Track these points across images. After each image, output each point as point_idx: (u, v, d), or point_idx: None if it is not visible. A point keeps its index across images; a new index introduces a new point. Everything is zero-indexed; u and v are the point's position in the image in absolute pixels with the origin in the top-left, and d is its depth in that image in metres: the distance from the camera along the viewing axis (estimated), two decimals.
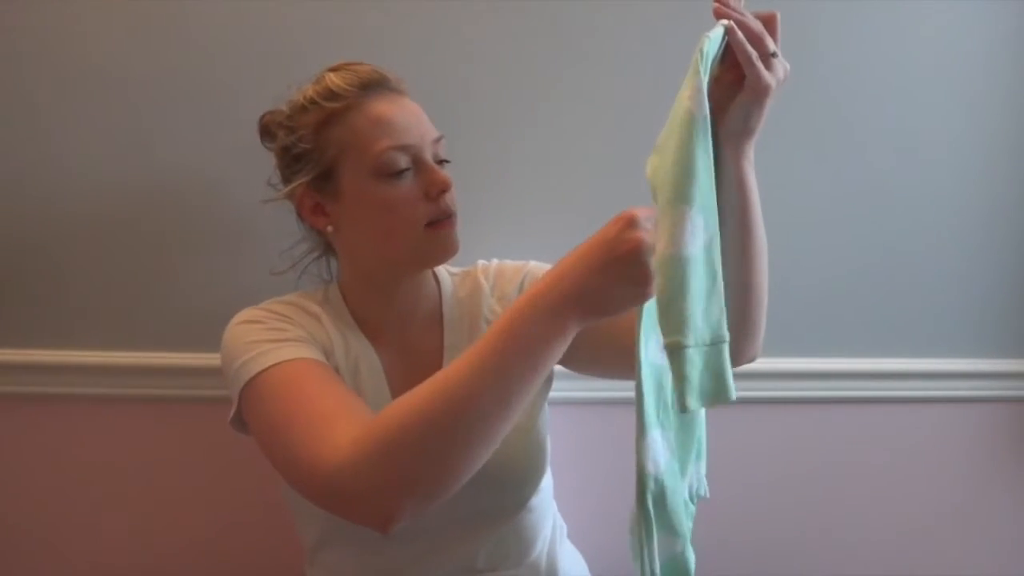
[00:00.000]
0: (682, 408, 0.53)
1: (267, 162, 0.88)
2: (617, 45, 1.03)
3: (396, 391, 0.80)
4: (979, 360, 1.19)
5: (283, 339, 0.72)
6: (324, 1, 0.98)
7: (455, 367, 0.58)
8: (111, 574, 1.08)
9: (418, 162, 0.77)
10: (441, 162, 0.80)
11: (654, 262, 0.52)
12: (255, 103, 0.90)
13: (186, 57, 0.97)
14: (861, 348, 1.16)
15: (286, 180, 0.80)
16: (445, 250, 0.79)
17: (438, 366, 0.82)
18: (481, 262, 0.91)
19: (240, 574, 1.09)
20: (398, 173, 0.75)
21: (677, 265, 0.51)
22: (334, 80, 0.76)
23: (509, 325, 0.57)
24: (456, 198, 0.80)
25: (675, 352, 0.52)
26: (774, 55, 0.60)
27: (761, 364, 1.11)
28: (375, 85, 0.77)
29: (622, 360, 0.77)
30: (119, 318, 1.02)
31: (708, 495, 0.65)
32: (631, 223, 0.55)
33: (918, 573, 1.23)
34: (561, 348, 0.57)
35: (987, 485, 1.23)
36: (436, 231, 0.77)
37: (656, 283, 0.52)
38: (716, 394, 0.55)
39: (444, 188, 0.77)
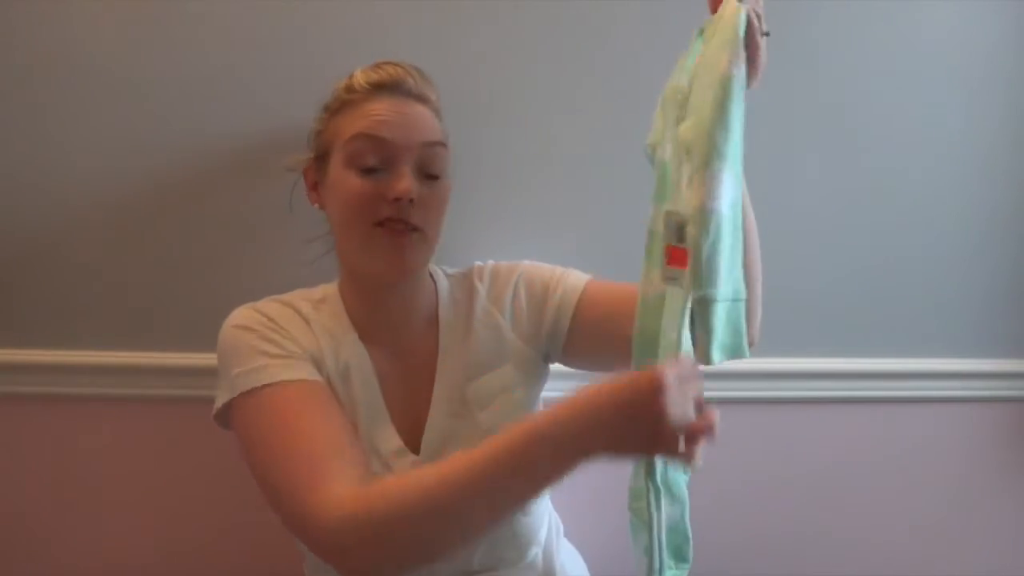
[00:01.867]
0: (706, 361, 0.55)
1: (270, 164, 0.88)
2: (617, 46, 1.03)
3: (388, 394, 0.80)
4: (979, 360, 1.18)
5: (280, 354, 0.73)
6: (324, 1, 0.98)
7: (461, 470, 0.59)
8: (111, 574, 1.08)
9: (391, 165, 0.75)
10: (431, 176, 0.77)
11: (691, 215, 0.53)
12: (257, 103, 0.91)
13: (190, 55, 0.97)
14: (861, 348, 1.16)
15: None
16: (389, 258, 0.75)
17: (432, 369, 0.82)
18: (477, 263, 0.91)
19: (240, 574, 1.09)
20: (367, 170, 0.75)
21: (713, 219, 0.52)
22: (357, 76, 0.79)
23: (524, 445, 0.58)
24: (443, 218, 0.79)
25: (706, 305, 0.53)
26: (767, 34, 0.63)
27: (761, 364, 1.12)
28: (390, 86, 0.78)
29: (623, 353, 0.77)
30: (119, 318, 1.02)
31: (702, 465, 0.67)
32: (661, 390, 0.53)
33: (917, 573, 1.22)
34: (567, 475, 0.58)
35: (987, 485, 1.23)
36: (384, 234, 0.74)
37: (690, 235, 0.53)
38: (734, 349, 0.57)
39: (400, 195, 0.73)
